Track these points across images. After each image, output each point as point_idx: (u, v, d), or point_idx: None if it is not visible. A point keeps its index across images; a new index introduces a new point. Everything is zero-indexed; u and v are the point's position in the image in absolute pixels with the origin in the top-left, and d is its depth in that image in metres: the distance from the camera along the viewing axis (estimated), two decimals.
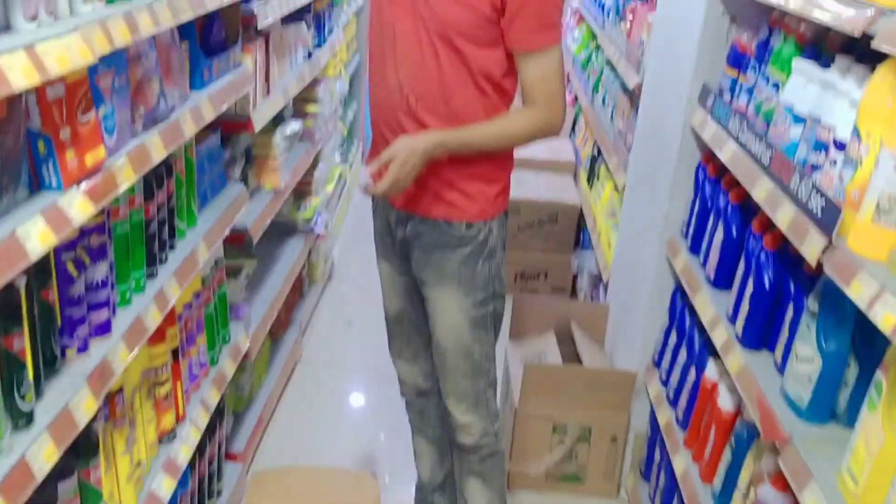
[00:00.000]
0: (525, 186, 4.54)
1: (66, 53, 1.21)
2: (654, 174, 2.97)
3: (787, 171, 1.83)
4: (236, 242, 2.64)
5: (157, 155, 1.67)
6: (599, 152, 4.50)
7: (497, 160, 2.12)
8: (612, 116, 4.16)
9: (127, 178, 1.51)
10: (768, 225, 2.00)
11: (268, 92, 2.71)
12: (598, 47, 4.98)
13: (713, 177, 2.51)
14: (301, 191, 3.73)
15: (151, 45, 1.71)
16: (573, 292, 4.49)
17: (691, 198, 2.66)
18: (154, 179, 1.80)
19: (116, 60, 1.50)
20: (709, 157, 2.56)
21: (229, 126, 2.47)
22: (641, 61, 3.39)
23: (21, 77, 1.09)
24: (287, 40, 3.04)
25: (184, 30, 1.93)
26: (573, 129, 5.66)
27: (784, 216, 1.78)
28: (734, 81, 2.45)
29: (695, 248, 2.54)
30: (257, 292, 3.04)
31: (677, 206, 2.73)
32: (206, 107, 1.98)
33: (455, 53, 1.96)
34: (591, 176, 4.67)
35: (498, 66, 2.00)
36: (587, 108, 4.90)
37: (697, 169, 2.66)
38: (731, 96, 2.43)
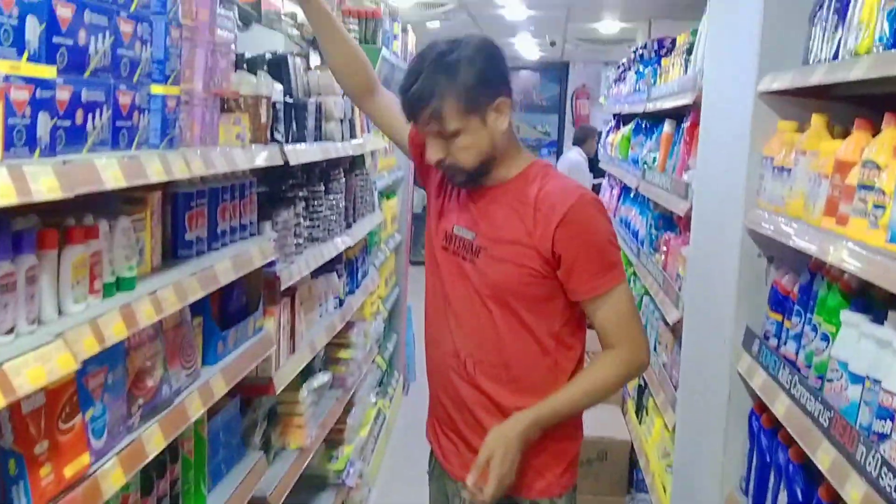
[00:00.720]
0: None
1: (43, 366, 1.13)
2: (704, 419, 2.77)
3: (850, 439, 1.63)
4: None
5: (155, 447, 1.55)
6: (646, 383, 4.30)
7: (567, 430, 1.95)
8: (655, 347, 4.01)
9: (115, 482, 1.38)
10: (839, 494, 1.77)
11: (293, 350, 2.63)
12: (634, 273, 4.93)
13: (768, 428, 2.29)
14: (332, 440, 3.57)
15: (157, 329, 1.65)
16: None
17: (747, 446, 2.43)
18: (154, 469, 1.67)
19: (111, 356, 1.43)
20: (762, 405, 2.36)
21: (250, 389, 2.37)
22: (679, 296, 3.29)
23: None
24: (316, 293, 3.01)
25: (196, 305, 1.88)
26: None
27: (854, 493, 1.56)
28: (779, 325, 2.30)
29: None
30: None
31: (732, 456, 2.50)
32: (217, 383, 1.89)
33: (511, 314, 1.87)
34: (640, 409, 4.44)
35: (557, 319, 1.89)
36: None
37: (750, 416, 2.45)
38: (778, 342, 2.28)
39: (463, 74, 1.73)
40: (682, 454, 3.07)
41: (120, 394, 1.47)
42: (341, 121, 3.05)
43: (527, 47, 10.46)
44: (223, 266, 1.86)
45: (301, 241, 2.68)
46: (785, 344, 2.22)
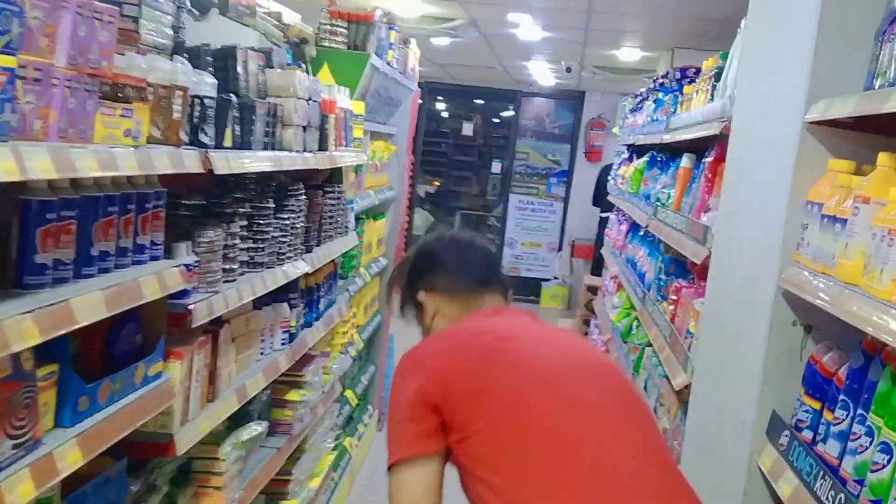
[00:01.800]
0: None
1: None
2: None
3: None
4: None
5: None
6: None
7: None
8: (656, 409, 3.52)
9: None
10: None
11: (212, 398, 2.15)
12: (637, 320, 4.44)
13: None
14: (274, 493, 3.08)
15: None
16: None
17: None
18: None
19: None
20: None
21: (143, 449, 1.89)
22: (689, 357, 2.80)
23: None
24: (258, 325, 2.54)
25: (52, 349, 1.41)
26: None
27: None
28: (817, 415, 1.82)
29: None
30: None
31: None
32: (68, 453, 1.40)
33: None
34: None
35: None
36: None
37: None
38: (814, 437, 1.79)
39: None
40: None
41: None
42: (304, 128, 2.59)
43: (542, 72, 10.03)
44: (86, 300, 1.39)
45: (235, 266, 2.20)
46: (824, 441, 1.74)
